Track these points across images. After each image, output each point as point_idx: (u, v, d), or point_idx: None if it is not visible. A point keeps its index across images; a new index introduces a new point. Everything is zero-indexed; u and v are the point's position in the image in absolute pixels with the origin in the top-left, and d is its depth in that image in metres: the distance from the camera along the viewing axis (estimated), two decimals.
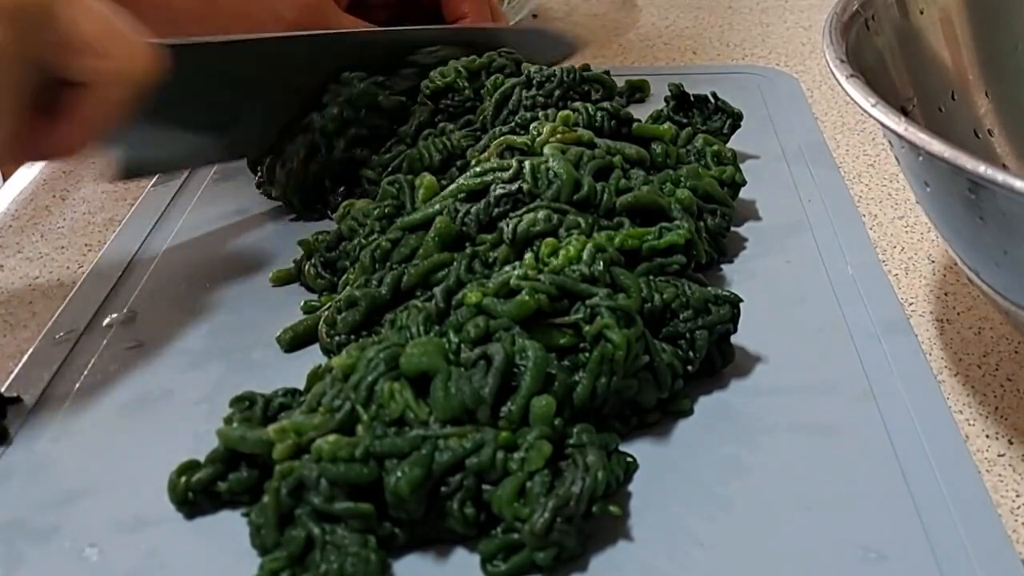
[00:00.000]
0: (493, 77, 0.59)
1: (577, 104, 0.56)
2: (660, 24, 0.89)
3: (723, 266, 0.53)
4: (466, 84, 0.59)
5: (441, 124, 0.58)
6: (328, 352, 0.46)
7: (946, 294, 0.52)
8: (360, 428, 0.37)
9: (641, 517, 0.39)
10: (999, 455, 0.42)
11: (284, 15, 0.59)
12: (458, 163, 0.55)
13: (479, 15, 0.66)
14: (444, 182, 0.51)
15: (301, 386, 0.42)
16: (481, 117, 0.58)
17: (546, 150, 0.50)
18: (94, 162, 0.63)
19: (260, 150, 0.60)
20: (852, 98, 0.40)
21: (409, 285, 0.45)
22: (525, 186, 0.48)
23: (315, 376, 0.42)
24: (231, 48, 0.54)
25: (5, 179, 0.67)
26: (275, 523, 0.37)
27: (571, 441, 0.39)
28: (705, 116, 0.62)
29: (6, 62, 0.40)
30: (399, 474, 0.36)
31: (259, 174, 0.61)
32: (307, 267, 0.52)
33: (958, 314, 0.51)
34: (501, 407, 0.38)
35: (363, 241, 0.50)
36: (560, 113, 0.53)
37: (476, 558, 0.37)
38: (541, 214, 0.46)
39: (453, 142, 0.56)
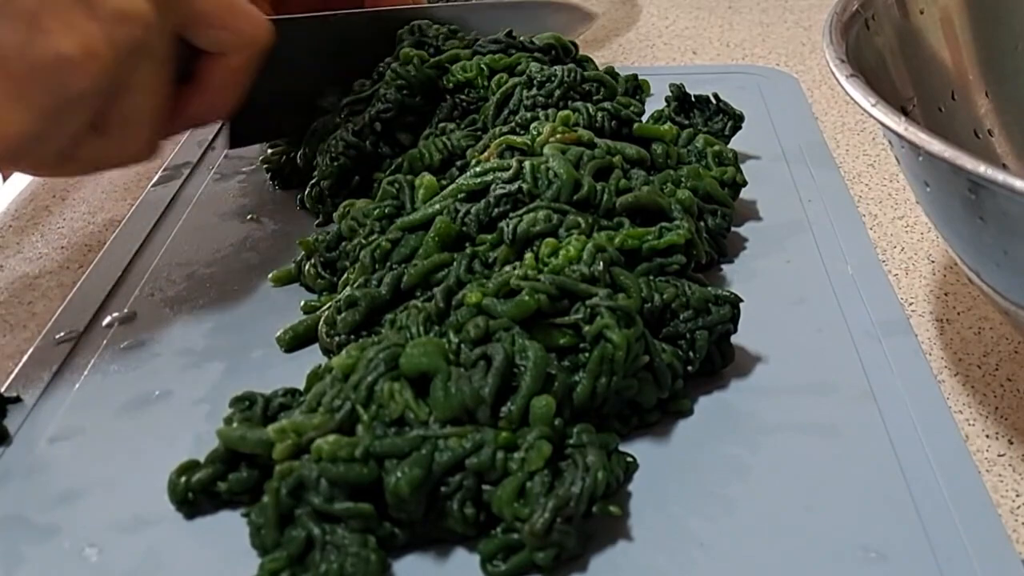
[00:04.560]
0: (498, 76, 0.59)
1: (577, 104, 0.56)
2: (660, 24, 0.89)
3: (723, 266, 0.53)
4: (487, 82, 0.59)
5: (442, 124, 0.58)
6: (328, 352, 0.46)
7: (946, 294, 0.52)
8: (360, 428, 0.37)
9: (641, 517, 0.39)
10: (999, 455, 0.42)
11: None
12: (458, 163, 0.54)
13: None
14: (444, 182, 0.51)
15: (301, 386, 0.42)
16: (482, 117, 0.58)
17: (546, 150, 0.50)
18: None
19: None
20: (852, 98, 0.40)
21: (409, 285, 0.45)
22: (525, 186, 0.47)
23: (315, 376, 0.42)
24: (314, 22, 0.60)
25: (5, 179, 0.67)
26: (275, 523, 0.37)
27: (571, 441, 0.39)
28: (706, 117, 0.62)
29: (159, 34, 0.46)
30: (399, 474, 0.36)
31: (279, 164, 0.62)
32: (307, 267, 0.52)
33: (958, 314, 0.51)
34: (501, 407, 0.38)
35: (363, 241, 0.50)
36: (560, 113, 0.53)
37: (476, 558, 0.37)
38: (541, 214, 0.46)
39: (453, 142, 0.55)
